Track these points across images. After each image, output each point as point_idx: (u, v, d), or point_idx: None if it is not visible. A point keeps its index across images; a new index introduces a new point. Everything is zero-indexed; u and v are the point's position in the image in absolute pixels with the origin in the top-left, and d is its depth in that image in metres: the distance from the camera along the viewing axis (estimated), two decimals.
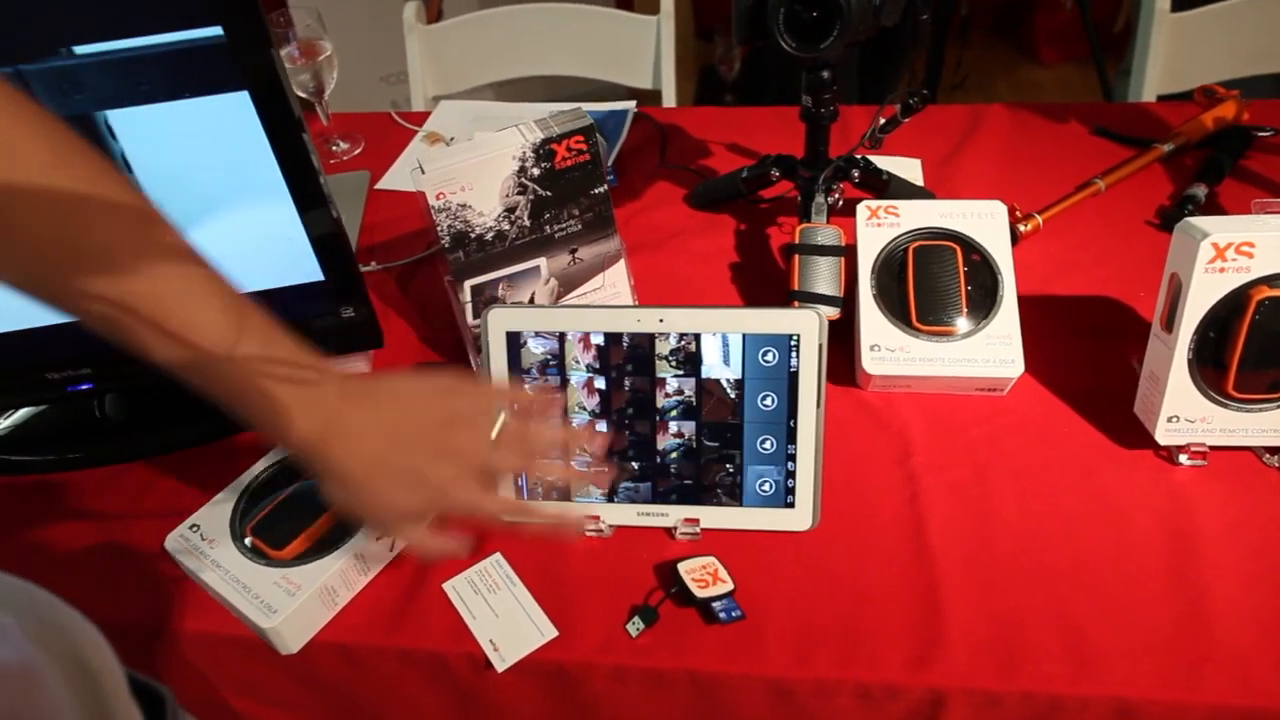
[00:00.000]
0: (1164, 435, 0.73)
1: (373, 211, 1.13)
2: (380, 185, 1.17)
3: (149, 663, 0.73)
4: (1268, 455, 0.73)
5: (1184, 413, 0.72)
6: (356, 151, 1.24)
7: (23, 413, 0.89)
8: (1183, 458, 0.73)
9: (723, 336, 0.69)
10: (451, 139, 1.25)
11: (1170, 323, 0.70)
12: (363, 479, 0.58)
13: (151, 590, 0.73)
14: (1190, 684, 0.60)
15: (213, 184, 0.72)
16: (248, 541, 0.71)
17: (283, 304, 0.78)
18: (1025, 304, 0.80)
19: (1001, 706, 0.63)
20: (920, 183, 1.06)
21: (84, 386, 0.82)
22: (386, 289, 1.00)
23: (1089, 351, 0.84)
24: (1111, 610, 0.65)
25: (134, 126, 0.66)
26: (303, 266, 0.77)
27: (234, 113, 0.66)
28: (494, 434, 0.61)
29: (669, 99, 1.48)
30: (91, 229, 0.48)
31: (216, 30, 0.62)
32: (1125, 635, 0.63)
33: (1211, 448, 0.73)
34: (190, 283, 0.52)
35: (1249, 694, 0.60)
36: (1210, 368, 0.70)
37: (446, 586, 0.71)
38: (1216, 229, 0.67)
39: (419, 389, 0.61)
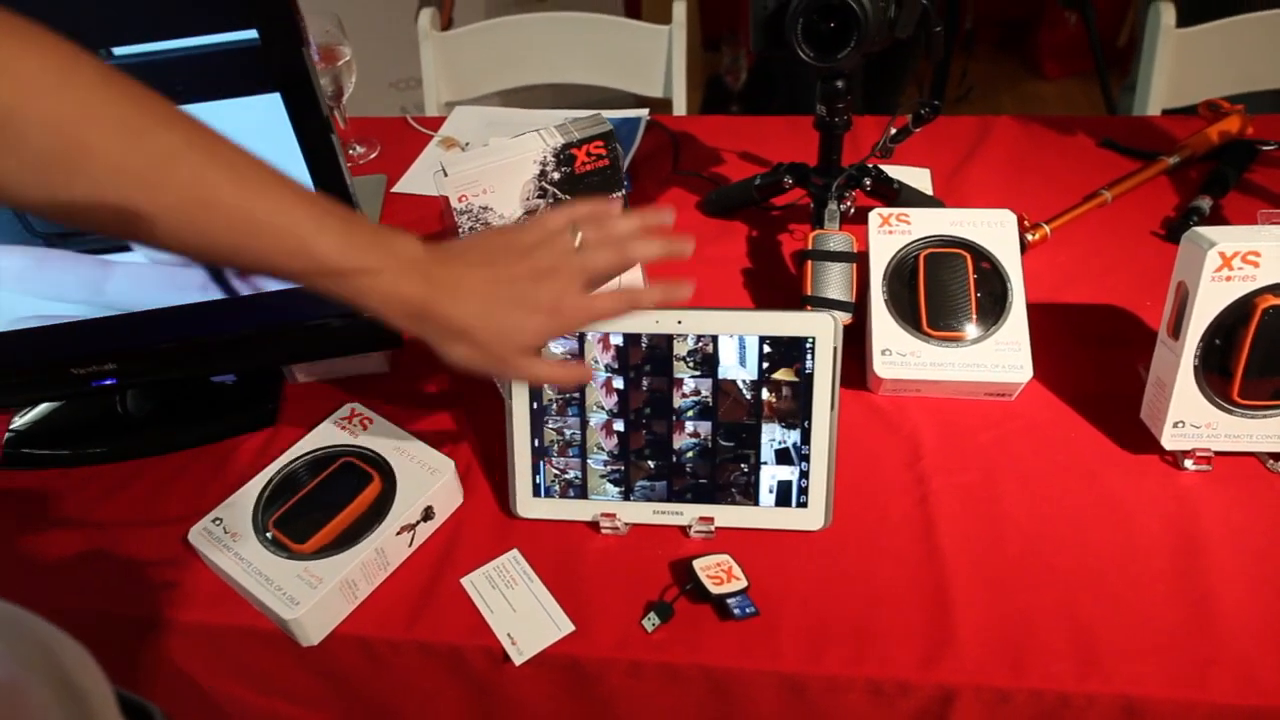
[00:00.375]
0: (1170, 440, 0.74)
1: (389, 214, 1.15)
2: (397, 188, 1.19)
3: (166, 657, 0.74)
4: (1272, 461, 0.75)
5: (1190, 418, 0.73)
6: (373, 155, 1.25)
7: (43, 408, 0.90)
8: (1188, 463, 0.75)
9: (739, 338, 0.71)
10: (467, 144, 1.27)
11: (1177, 330, 0.72)
12: (478, 325, 0.59)
13: (171, 584, 0.74)
14: (1196, 683, 0.62)
15: None
16: (270, 535, 0.73)
17: (306, 302, 0.80)
18: (1034, 311, 0.82)
19: (1010, 704, 0.64)
20: (930, 192, 1.08)
21: (108, 382, 0.83)
22: None
23: (1096, 358, 0.85)
24: (1118, 611, 0.66)
25: None
26: None
27: (265, 113, 0.67)
28: (576, 244, 0.62)
29: (679, 108, 1.50)
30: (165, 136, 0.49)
31: (251, 33, 0.64)
32: (1132, 635, 0.65)
33: (1216, 453, 0.74)
34: (265, 173, 0.52)
35: (1254, 694, 0.61)
36: (1216, 374, 0.72)
37: (464, 581, 0.72)
38: (1223, 238, 0.68)
39: (495, 235, 0.63)
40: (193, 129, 0.50)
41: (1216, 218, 1.01)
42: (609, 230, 0.64)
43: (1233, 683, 0.61)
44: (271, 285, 0.80)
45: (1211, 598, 0.66)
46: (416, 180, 1.20)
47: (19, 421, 0.89)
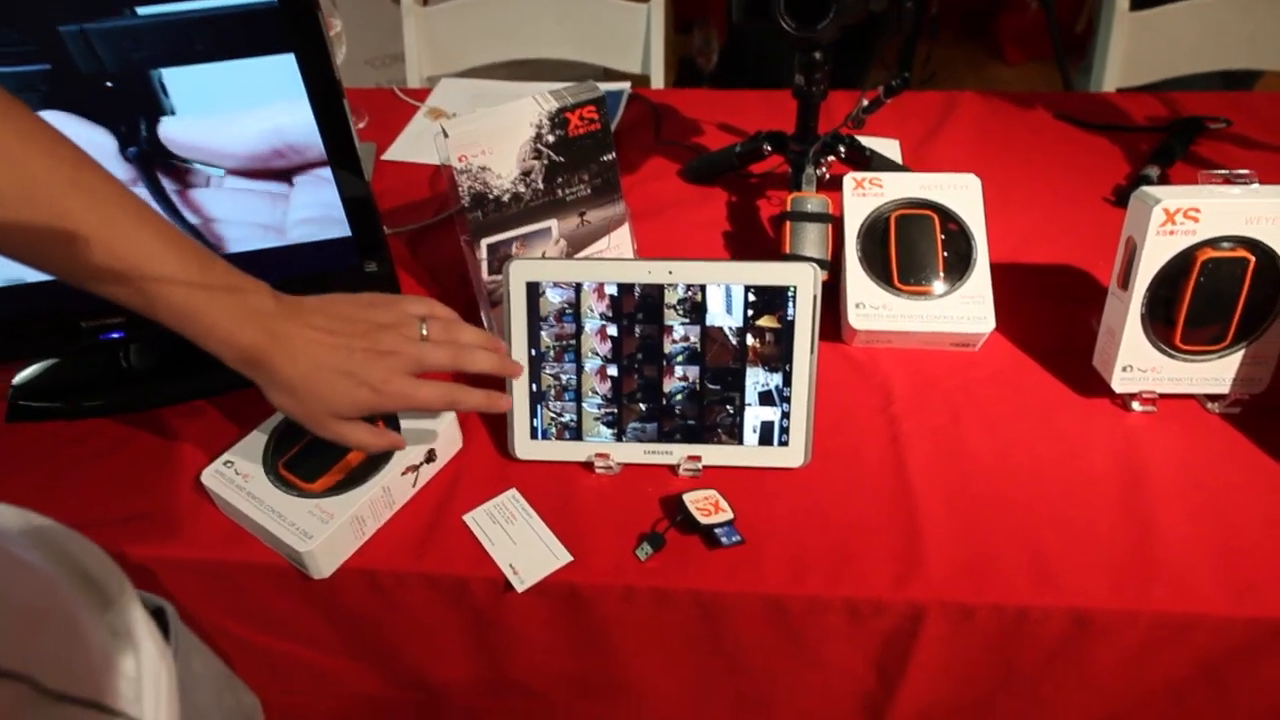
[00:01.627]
0: (1119, 384, 0.80)
1: (379, 181, 1.18)
2: (386, 156, 1.22)
3: (178, 600, 0.77)
4: (1209, 402, 0.81)
5: (1137, 363, 0.80)
6: (362, 125, 1.28)
7: (44, 364, 0.92)
8: (1135, 404, 0.81)
9: (726, 287, 0.76)
10: (454, 114, 1.31)
11: (1126, 281, 0.78)
12: (304, 384, 0.64)
13: (181, 525, 0.77)
14: (1139, 595, 0.68)
15: (255, 142, 0.77)
16: (280, 477, 0.76)
17: (315, 257, 0.84)
18: (996, 269, 0.88)
19: (974, 618, 0.70)
20: (900, 161, 1.13)
21: (115, 335, 0.86)
22: (398, 253, 1.05)
23: (1053, 312, 0.92)
24: (1070, 535, 0.72)
25: (184, 85, 0.71)
26: (333, 223, 0.82)
27: (279, 74, 0.71)
28: (421, 335, 0.68)
29: (657, 83, 1.54)
30: (35, 162, 0.54)
31: None
32: (1082, 556, 0.71)
33: (1160, 395, 0.81)
34: (129, 208, 0.58)
35: (1189, 602, 0.68)
36: (1161, 323, 0.78)
37: (467, 518, 0.76)
38: (1168, 196, 0.74)
39: (348, 301, 0.69)
40: (69, 160, 0.55)
41: (1164, 185, 1.08)
42: (454, 335, 0.71)
43: (1171, 593, 0.68)
44: (286, 242, 0.83)
45: (1153, 523, 0.73)
46: (405, 149, 1.23)
47: (20, 378, 0.91)
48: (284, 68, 0.71)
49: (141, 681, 0.50)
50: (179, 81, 0.70)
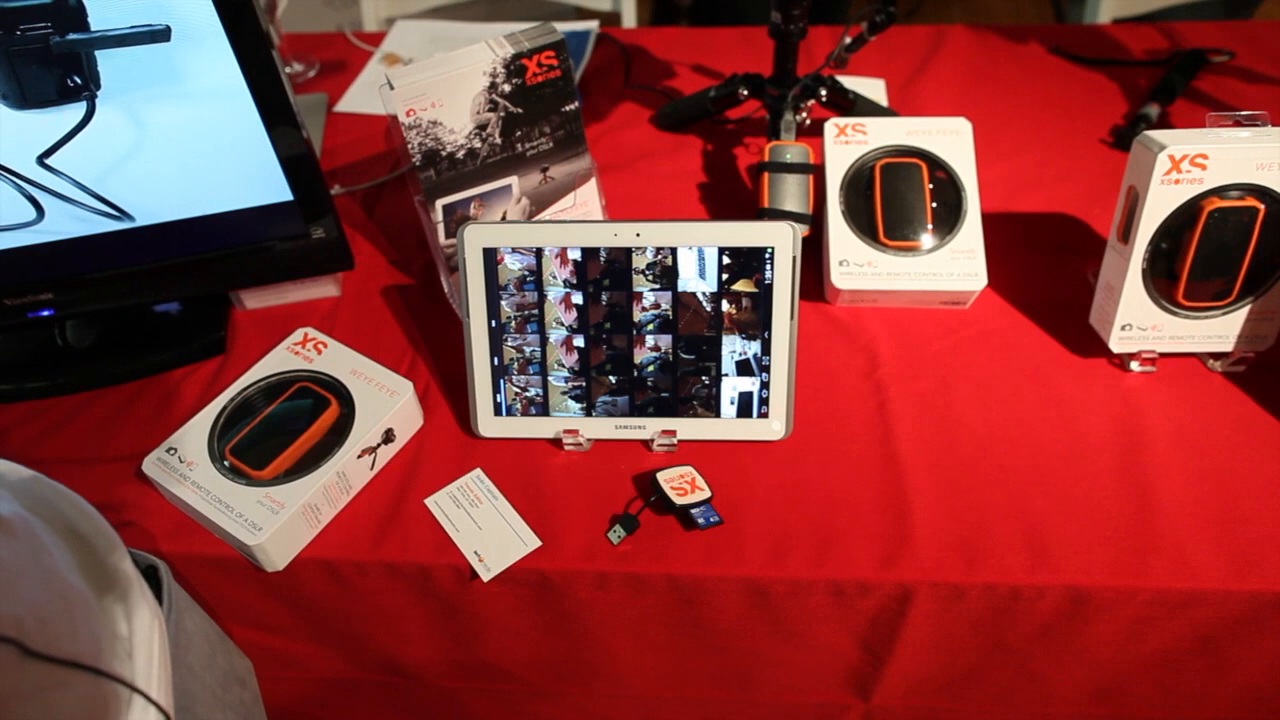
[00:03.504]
0: (1117, 343, 0.76)
1: (331, 135, 1.11)
2: (339, 108, 1.14)
3: None
4: (1212, 360, 0.77)
5: (1136, 321, 0.75)
6: (311, 74, 1.20)
7: None
8: (1134, 364, 0.77)
9: (698, 250, 0.70)
10: (410, 60, 1.22)
11: (1126, 234, 0.73)
12: None
13: (127, 518, 0.72)
14: (1138, 571, 0.65)
15: (175, 101, 0.70)
16: (227, 463, 0.71)
17: (251, 225, 0.78)
18: (987, 220, 0.82)
19: (965, 598, 0.66)
20: (885, 103, 1.07)
21: (45, 313, 0.80)
22: (352, 214, 0.99)
23: (1047, 265, 0.87)
24: (1066, 506, 0.69)
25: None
26: (270, 186, 0.76)
27: (197, 22, 0.64)
28: None
29: (629, 22, 1.46)
30: None
31: None
32: (1079, 529, 0.67)
33: (1161, 355, 0.77)
34: None
35: (1190, 578, 0.64)
36: (1163, 278, 0.74)
37: (428, 502, 0.72)
38: (1173, 141, 0.69)
39: None
40: None
41: (1164, 125, 1.02)
42: None
43: (1170, 568, 0.65)
44: (217, 209, 0.76)
45: (1152, 492, 0.69)
46: (359, 99, 1.15)
47: None
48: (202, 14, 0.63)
49: (134, 640, 0.49)
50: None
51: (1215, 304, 0.74)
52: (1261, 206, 0.69)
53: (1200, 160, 0.69)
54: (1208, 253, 0.71)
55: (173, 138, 0.71)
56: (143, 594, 0.53)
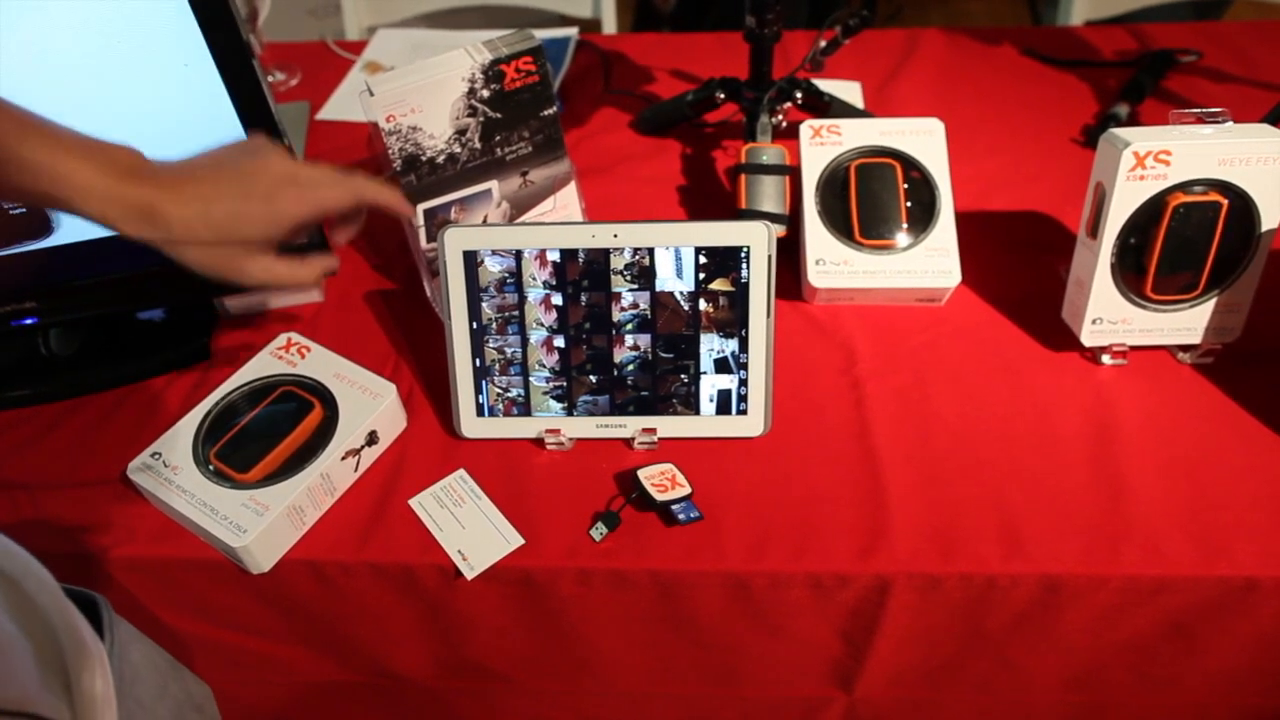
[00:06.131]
0: (1089, 337, 0.77)
1: (314, 143, 1.12)
2: (321, 116, 1.15)
3: (115, 595, 0.73)
4: (1180, 353, 0.79)
5: (1107, 315, 0.76)
6: (294, 82, 1.21)
7: None
8: (1105, 358, 0.78)
9: (675, 250, 0.71)
10: (392, 68, 1.23)
11: (1095, 230, 0.74)
12: (200, 223, 0.58)
13: (112, 521, 0.73)
14: (1109, 559, 0.66)
15: (160, 113, 0.70)
16: (211, 467, 0.72)
17: None
18: (961, 219, 0.84)
19: (942, 588, 0.68)
20: (861, 106, 1.08)
21: (28, 321, 0.80)
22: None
23: (1020, 262, 0.88)
24: (1040, 497, 0.70)
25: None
26: None
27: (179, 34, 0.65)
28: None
29: (610, 28, 1.47)
30: None
31: None
32: (1052, 519, 0.68)
33: (1131, 347, 0.78)
34: None
35: (1161, 565, 0.65)
36: (1131, 272, 0.75)
37: (412, 503, 0.73)
38: (1137, 138, 0.70)
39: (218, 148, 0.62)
40: None
41: (1134, 124, 1.04)
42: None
43: (1142, 556, 0.66)
44: None
45: (1123, 482, 0.70)
46: (341, 107, 1.16)
47: None
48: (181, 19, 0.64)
49: (70, 678, 0.47)
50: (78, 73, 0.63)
51: (1183, 297, 0.75)
52: (1224, 201, 0.71)
53: (1164, 156, 0.71)
54: (1173, 247, 0.73)
55: (155, 147, 0.72)
56: (80, 630, 0.51)
